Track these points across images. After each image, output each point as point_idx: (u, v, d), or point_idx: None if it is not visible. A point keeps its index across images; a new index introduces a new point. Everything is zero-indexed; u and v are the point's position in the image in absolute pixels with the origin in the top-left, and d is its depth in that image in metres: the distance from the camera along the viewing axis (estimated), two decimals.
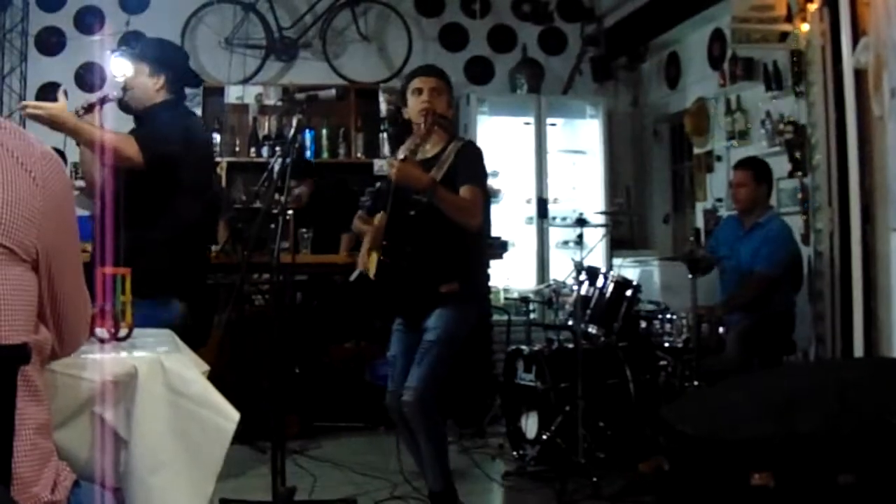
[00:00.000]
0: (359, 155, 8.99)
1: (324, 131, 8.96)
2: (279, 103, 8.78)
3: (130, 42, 5.24)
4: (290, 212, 4.29)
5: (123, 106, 5.10)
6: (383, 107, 9.02)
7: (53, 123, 4.59)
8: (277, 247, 4.25)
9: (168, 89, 4.88)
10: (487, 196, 4.68)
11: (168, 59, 5.03)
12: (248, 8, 9.10)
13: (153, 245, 4.51)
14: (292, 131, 4.37)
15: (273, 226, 4.30)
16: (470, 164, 4.55)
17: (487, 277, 4.80)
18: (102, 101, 4.86)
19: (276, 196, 4.71)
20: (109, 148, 4.59)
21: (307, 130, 8.71)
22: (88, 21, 9.14)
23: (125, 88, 4.93)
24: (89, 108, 4.78)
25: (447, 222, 4.40)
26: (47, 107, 4.60)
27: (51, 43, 9.17)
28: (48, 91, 9.03)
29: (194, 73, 5.50)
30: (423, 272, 4.47)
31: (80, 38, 9.11)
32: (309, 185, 7.52)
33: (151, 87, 4.86)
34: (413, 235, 4.48)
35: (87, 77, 9.09)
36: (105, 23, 9.08)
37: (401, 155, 4.49)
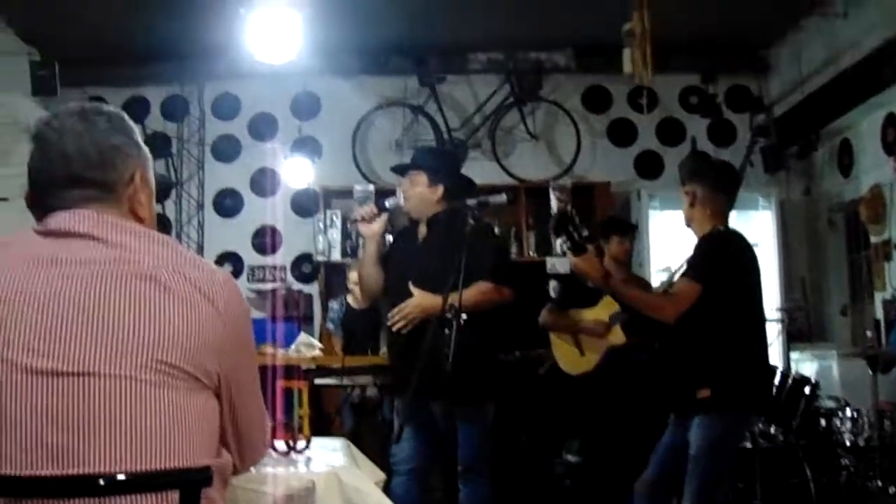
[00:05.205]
0: (531, 253, 9.09)
1: (495, 231, 9.01)
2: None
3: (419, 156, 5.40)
4: (464, 316, 4.31)
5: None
6: (554, 204, 9.07)
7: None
8: (451, 352, 4.15)
9: (447, 200, 4.98)
10: (730, 289, 4.36)
11: (444, 167, 5.13)
12: (417, 110, 9.43)
13: None
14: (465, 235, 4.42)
15: (447, 331, 4.17)
16: (694, 254, 4.49)
17: (757, 382, 4.54)
18: (381, 209, 5.00)
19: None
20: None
21: None
22: (262, 128, 9.67)
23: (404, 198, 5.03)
24: (371, 219, 4.95)
25: (692, 317, 4.32)
26: (411, 308, 4.79)
27: (226, 150, 9.69)
28: (224, 196, 9.58)
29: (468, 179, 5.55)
30: (673, 371, 4.46)
31: (254, 144, 9.64)
32: None
33: (430, 197, 4.98)
34: (652, 329, 4.49)
35: (262, 182, 9.59)
36: (278, 129, 9.62)
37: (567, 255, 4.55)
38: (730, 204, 4.68)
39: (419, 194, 4.97)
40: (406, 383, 4.70)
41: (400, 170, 5.27)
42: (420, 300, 4.77)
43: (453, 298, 4.33)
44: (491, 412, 4.88)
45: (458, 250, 4.35)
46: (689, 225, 4.62)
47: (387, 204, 5.05)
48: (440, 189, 4.96)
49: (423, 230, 5.04)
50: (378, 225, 4.99)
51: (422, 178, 4.97)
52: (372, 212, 4.98)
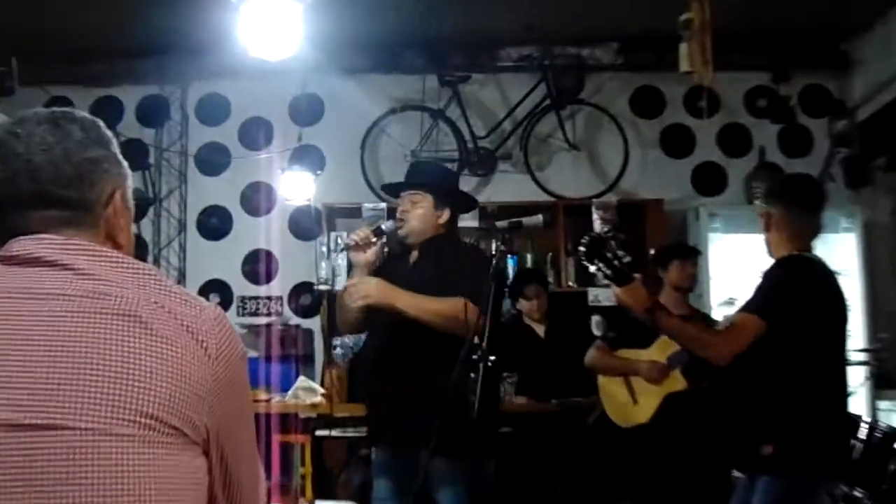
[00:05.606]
0: (570, 283, 9.05)
1: (528, 256, 9.08)
2: (476, 225, 8.78)
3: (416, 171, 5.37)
4: (492, 358, 4.24)
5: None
6: (597, 225, 8.94)
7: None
8: (477, 400, 4.02)
9: (449, 224, 5.06)
10: (802, 325, 4.28)
11: (451, 187, 5.20)
12: (438, 115, 9.41)
13: None
14: (493, 262, 4.42)
15: (473, 375, 4.04)
16: (760, 284, 4.44)
17: (832, 439, 4.36)
18: (378, 234, 4.96)
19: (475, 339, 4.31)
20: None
21: (509, 257, 8.62)
22: (254, 135, 9.67)
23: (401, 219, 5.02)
24: (365, 245, 4.93)
25: (755, 359, 4.28)
26: (362, 291, 4.73)
27: (213, 161, 9.68)
28: (210, 215, 9.58)
29: (472, 198, 5.69)
30: (735, 423, 4.46)
31: (245, 154, 9.63)
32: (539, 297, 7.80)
33: (433, 221, 5.02)
34: (719, 374, 4.45)
35: (255, 198, 9.58)
36: (274, 137, 9.63)
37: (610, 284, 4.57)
38: (813, 225, 4.60)
39: (422, 217, 5.02)
40: (390, 432, 4.86)
41: (393, 189, 5.30)
42: (381, 286, 4.75)
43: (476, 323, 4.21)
44: (492, 471, 4.85)
45: (465, 277, 4.42)
46: (770, 253, 4.60)
47: (383, 227, 5.06)
48: (446, 212, 5.05)
49: (414, 254, 5.10)
50: (371, 253, 5.00)
51: (426, 200, 5.02)
52: (367, 237, 4.97)
